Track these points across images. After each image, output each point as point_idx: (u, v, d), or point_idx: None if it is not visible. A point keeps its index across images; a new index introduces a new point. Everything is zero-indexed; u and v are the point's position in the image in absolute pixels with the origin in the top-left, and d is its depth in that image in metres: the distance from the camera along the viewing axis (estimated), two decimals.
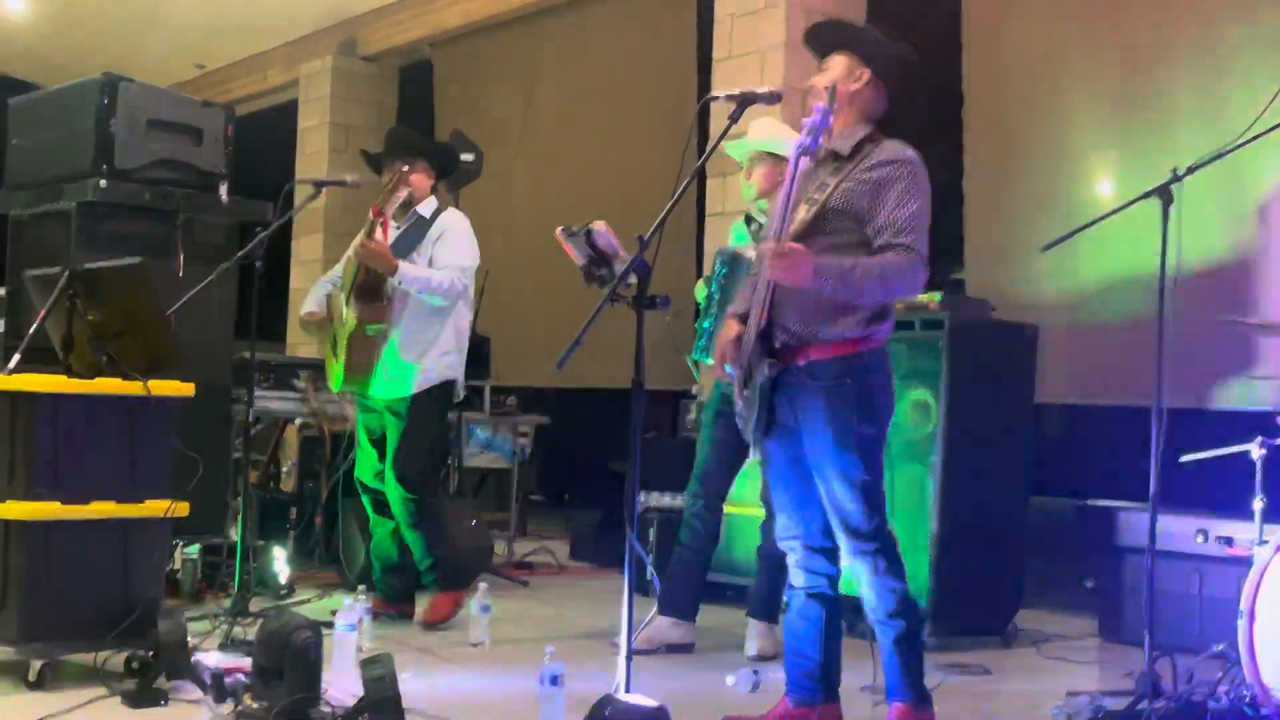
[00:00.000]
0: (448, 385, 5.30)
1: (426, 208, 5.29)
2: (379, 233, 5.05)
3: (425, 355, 5.20)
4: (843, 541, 3.57)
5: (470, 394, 7.58)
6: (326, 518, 6.47)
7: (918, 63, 3.69)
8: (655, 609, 4.98)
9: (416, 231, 5.24)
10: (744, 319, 3.70)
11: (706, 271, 5.28)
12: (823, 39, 3.75)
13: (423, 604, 5.34)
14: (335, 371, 5.24)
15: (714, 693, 4.36)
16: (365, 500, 5.39)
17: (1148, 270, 4.14)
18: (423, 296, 5.10)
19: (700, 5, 8.17)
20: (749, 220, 5.11)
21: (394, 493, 5.20)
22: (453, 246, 5.21)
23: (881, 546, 3.54)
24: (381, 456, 5.30)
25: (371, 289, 5.10)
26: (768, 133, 4.98)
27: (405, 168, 5.06)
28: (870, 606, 3.60)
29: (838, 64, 3.65)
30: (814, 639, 3.70)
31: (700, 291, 5.17)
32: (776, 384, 3.58)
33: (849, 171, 3.50)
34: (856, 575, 3.59)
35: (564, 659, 3.69)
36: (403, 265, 5.04)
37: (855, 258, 3.44)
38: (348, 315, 5.12)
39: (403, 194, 5.11)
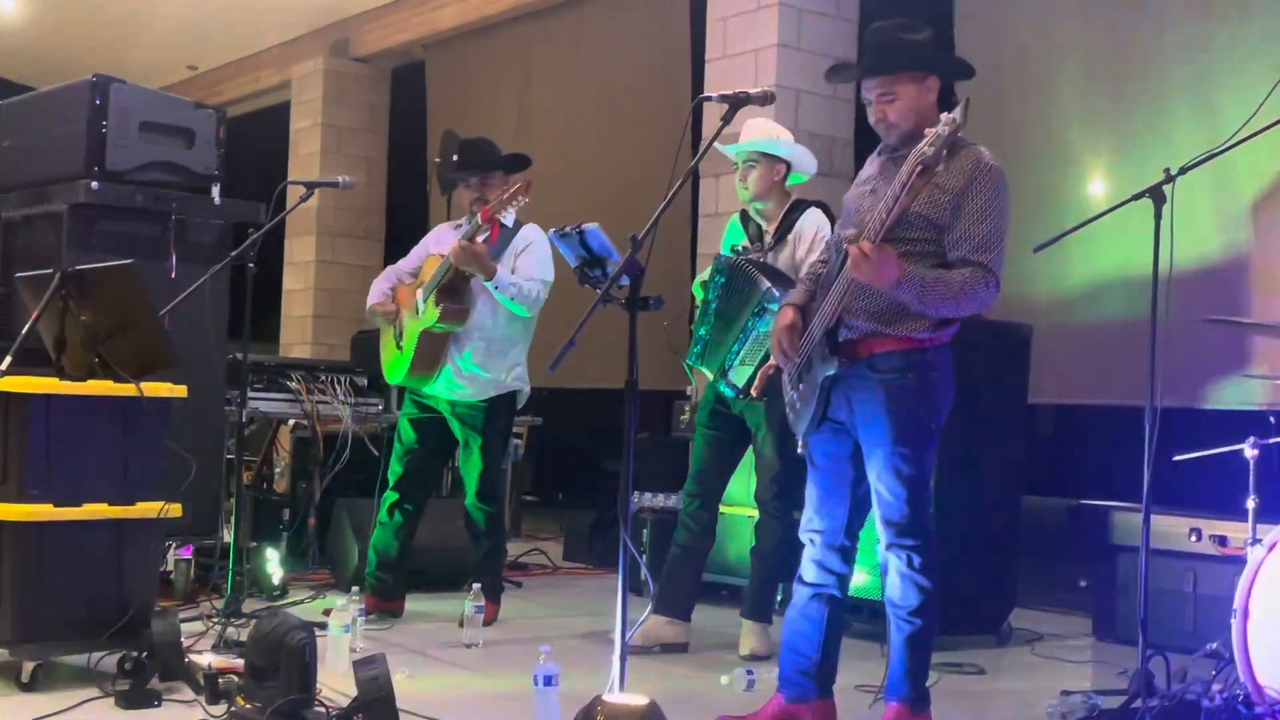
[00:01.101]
0: (516, 395, 5.39)
1: (508, 218, 5.30)
2: (482, 237, 5.09)
3: (500, 363, 5.27)
4: (882, 533, 3.56)
5: None
6: (320, 519, 6.46)
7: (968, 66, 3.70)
8: (650, 608, 4.97)
9: (501, 240, 5.26)
10: (800, 309, 3.70)
11: (700, 273, 5.27)
12: (877, 67, 3.60)
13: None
14: (398, 364, 5.30)
15: (708, 692, 4.36)
16: (389, 494, 5.39)
17: (1140, 270, 4.14)
18: (510, 304, 5.14)
19: (693, 6, 8.18)
20: (746, 220, 5.10)
21: (472, 502, 5.35)
22: (537, 260, 5.25)
23: (920, 543, 3.53)
24: (428, 450, 5.39)
25: (455, 290, 5.14)
26: (764, 133, 4.97)
27: (525, 180, 5.06)
28: (893, 599, 3.58)
29: (906, 89, 3.54)
30: (813, 637, 3.70)
31: (697, 290, 5.16)
32: (835, 379, 3.57)
33: (935, 175, 3.44)
34: (888, 566, 3.58)
35: (558, 659, 3.69)
36: (501, 270, 5.08)
37: (935, 270, 3.43)
38: (427, 311, 5.14)
39: (517, 204, 5.06)
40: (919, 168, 3.29)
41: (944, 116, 3.27)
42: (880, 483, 3.54)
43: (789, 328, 3.67)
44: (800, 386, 3.66)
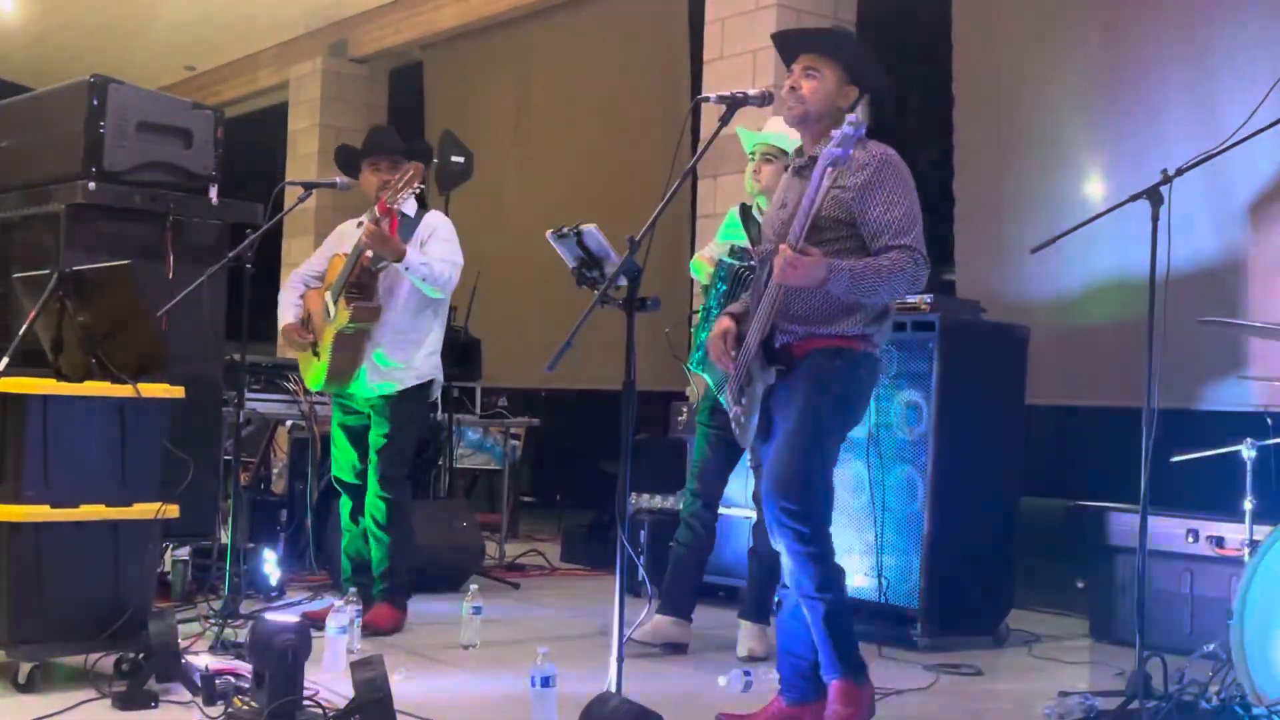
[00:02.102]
0: (429, 385, 5.29)
1: (409, 207, 5.27)
2: (384, 225, 5.02)
3: (414, 354, 5.18)
4: (768, 506, 3.57)
5: (461, 395, 7.57)
6: (317, 519, 6.46)
7: (897, 89, 3.75)
8: (650, 607, 4.96)
9: (403, 230, 5.22)
10: (738, 318, 3.74)
11: (698, 251, 5.26)
12: (816, 43, 3.73)
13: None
14: (317, 371, 5.19)
15: (705, 693, 4.35)
16: (343, 499, 5.34)
17: (1138, 271, 4.14)
18: (423, 285, 5.06)
19: (691, 6, 8.18)
20: (747, 218, 5.08)
21: (371, 491, 5.16)
22: (445, 244, 5.20)
23: (803, 510, 3.51)
24: (362, 454, 5.26)
25: (364, 286, 5.07)
26: (790, 130, 4.97)
27: (416, 166, 5.03)
28: (792, 580, 3.60)
29: (830, 77, 3.64)
30: (806, 638, 3.71)
31: (695, 267, 5.17)
32: (774, 386, 3.61)
33: (835, 177, 3.51)
34: (777, 544, 3.60)
35: (555, 660, 3.69)
36: (411, 251, 5.01)
37: (862, 260, 3.49)
38: (338, 313, 5.08)
39: (412, 191, 5.03)
40: (828, 169, 3.37)
41: (849, 117, 3.37)
42: (776, 457, 3.56)
43: (723, 334, 3.73)
44: (743, 400, 3.70)
